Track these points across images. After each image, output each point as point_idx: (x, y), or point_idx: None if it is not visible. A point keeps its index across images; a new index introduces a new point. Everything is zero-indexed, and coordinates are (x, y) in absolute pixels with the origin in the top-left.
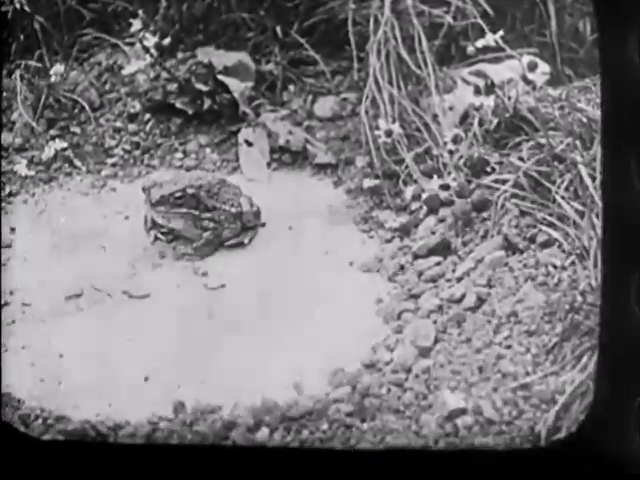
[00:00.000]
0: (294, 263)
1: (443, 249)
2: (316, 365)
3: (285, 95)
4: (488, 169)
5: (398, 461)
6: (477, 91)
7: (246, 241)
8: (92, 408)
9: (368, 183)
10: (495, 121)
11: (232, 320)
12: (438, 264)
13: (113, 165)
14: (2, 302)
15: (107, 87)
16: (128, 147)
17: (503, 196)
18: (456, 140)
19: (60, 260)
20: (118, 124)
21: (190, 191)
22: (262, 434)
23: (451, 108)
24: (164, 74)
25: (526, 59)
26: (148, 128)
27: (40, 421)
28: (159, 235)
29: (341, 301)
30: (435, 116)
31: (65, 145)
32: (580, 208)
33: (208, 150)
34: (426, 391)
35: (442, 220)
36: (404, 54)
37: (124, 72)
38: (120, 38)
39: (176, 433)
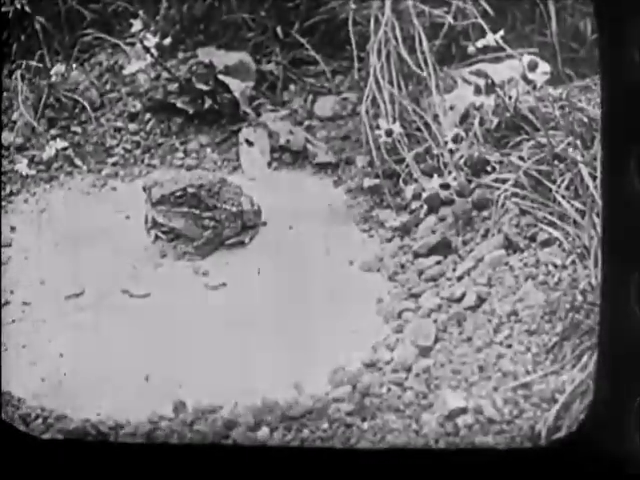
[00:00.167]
0: (294, 262)
1: (443, 248)
2: (316, 364)
3: (286, 95)
4: (488, 168)
5: (398, 460)
6: (477, 91)
7: (247, 240)
8: (92, 407)
9: (368, 182)
10: (495, 120)
11: (233, 319)
12: (438, 263)
13: (114, 164)
14: (2, 301)
15: (108, 87)
16: (129, 146)
17: (503, 195)
18: (456, 139)
19: (61, 259)
20: (119, 124)
21: (191, 190)
22: (262, 433)
23: (452, 108)
24: (165, 74)
25: (526, 59)
26: (149, 128)
27: (40, 420)
28: (160, 234)
29: (341, 300)
30: (435, 116)
31: (66, 144)
32: (580, 207)
33: (209, 149)
34: (426, 390)
35: (442, 219)
36: (404, 54)
37: (125, 72)
38: (121, 38)
39: (176, 432)
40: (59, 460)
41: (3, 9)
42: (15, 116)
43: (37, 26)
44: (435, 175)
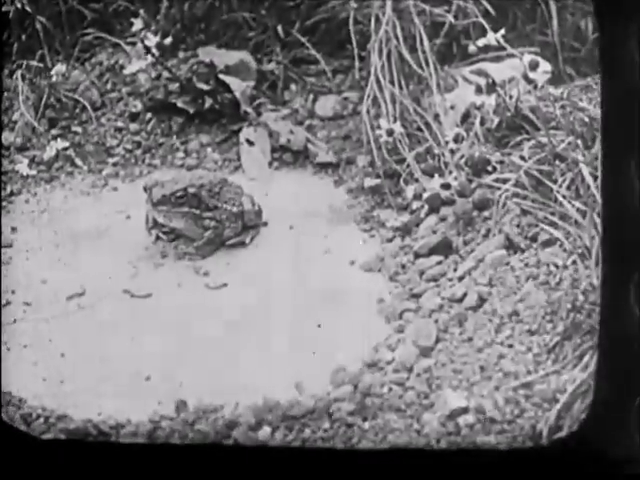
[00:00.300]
0: (295, 262)
1: (444, 248)
2: (317, 364)
3: (286, 94)
4: (489, 168)
5: (400, 460)
6: (478, 90)
7: (247, 240)
8: (93, 407)
9: (369, 182)
10: (496, 120)
11: (233, 319)
12: (439, 263)
13: (114, 164)
14: (3, 301)
15: (108, 87)
16: (129, 146)
17: (504, 195)
18: (457, 139)
19: (61, 259)
20: (119, 123)
21: (191, 190)
22: (264, 433)
23: (452, 107)
24: (165, 73)
25: (527, 58)
26: (149, 127)
27: (41, 420)
28: (160, 234)
29: (342, 300)
30: (436, 115)
31: (66, 144)
32: (581, 207)
33: (209, 149)
34: (428, 390)
35: (443, 219)
36: (405, 53)
37: (125, 72)
38: (121, 38)
39: (178, 432)
40: (60, 460)
41: (3, 9)
42: (16, 116)
43: (38, 26)
44: (436, 175)
